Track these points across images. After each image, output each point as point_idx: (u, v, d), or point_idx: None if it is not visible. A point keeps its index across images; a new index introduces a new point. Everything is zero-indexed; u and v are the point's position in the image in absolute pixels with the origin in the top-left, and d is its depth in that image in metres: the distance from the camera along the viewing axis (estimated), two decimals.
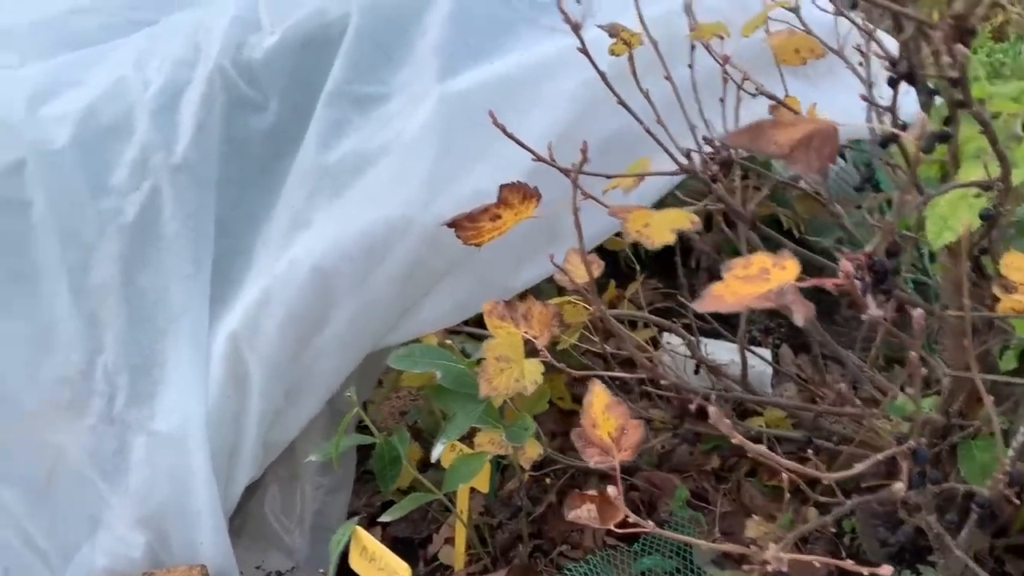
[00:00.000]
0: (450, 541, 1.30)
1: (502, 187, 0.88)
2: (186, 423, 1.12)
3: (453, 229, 0.91)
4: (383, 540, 1.21)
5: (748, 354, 1.27)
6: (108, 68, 1.32)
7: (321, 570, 1.09)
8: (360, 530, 0.99)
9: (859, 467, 0.65)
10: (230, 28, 1.27)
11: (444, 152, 1.15)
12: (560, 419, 1.47)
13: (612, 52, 1.05)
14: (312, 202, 1.15)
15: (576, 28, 0.93)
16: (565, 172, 0.94)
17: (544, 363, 0.90)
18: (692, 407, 1.00)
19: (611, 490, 0.67)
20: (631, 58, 1.06)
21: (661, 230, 0.78)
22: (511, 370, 0.89)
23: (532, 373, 0.89)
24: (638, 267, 1.52)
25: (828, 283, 0.52)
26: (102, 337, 1.15)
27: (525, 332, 0.96)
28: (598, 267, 1.03)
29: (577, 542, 1.28)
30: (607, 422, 0.71)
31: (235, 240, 1.18)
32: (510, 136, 0.93)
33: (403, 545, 1.33)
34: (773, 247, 0.89)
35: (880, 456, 0.66)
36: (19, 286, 1.17)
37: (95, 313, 1.15)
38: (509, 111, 1.17)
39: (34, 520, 1.17)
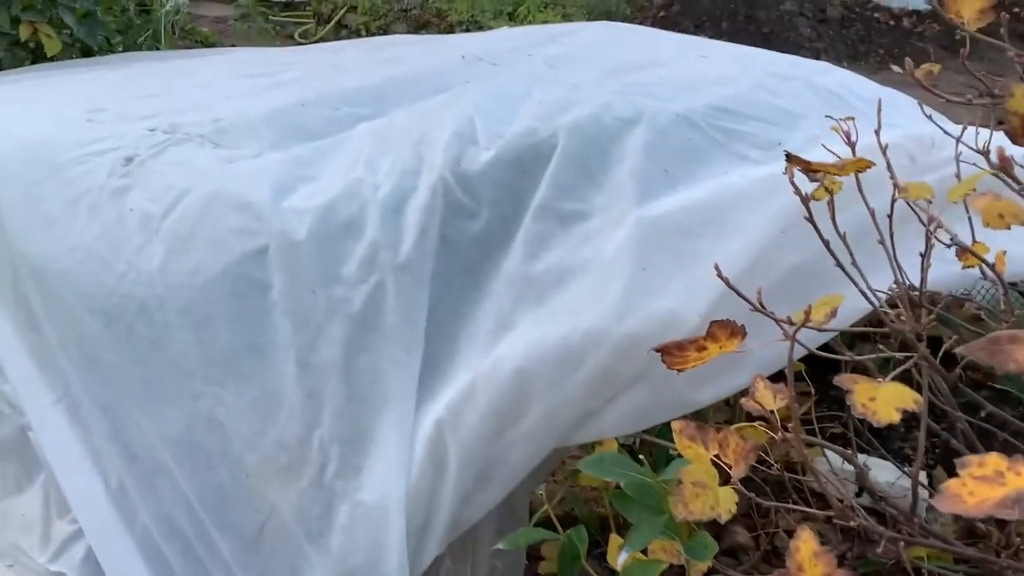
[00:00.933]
0: None
1: (713, 323, 0.97)
2: (387, 497, 1.24)
3: (660, 353, 1.00)
4: None
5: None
6: (340, 165, 1.50)
7: None
8: None
9: None
10: (450, 142, 1.43)
11: (639, 272, 1.25)
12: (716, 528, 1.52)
13: (813, 197, 1.12)
14: (517, 307, 1.27)
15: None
16: (762, 311, 1.02)
17: (736, 491, 0.97)
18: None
19: None
20: (831, 203, 1.13)
21: (887, 407, 0.83)
22: (706, 496, 0.96)
23: (727, 501, 0.96)
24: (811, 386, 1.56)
25: None
26: (321, 411, 1.29)
27: (715, 456, 1.03)
28: (783, 397, 1.09)
29: None
30: (814, 569, 0.77)
31: (442, 332, 1.31)
32: (721, 276, 1.01)
33: None
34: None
35: None
36: (254, 358, 1.33)
37: (317, 389, 1.30)
38: (701, 237, 1.27)
39: (243, 568, 1.31)
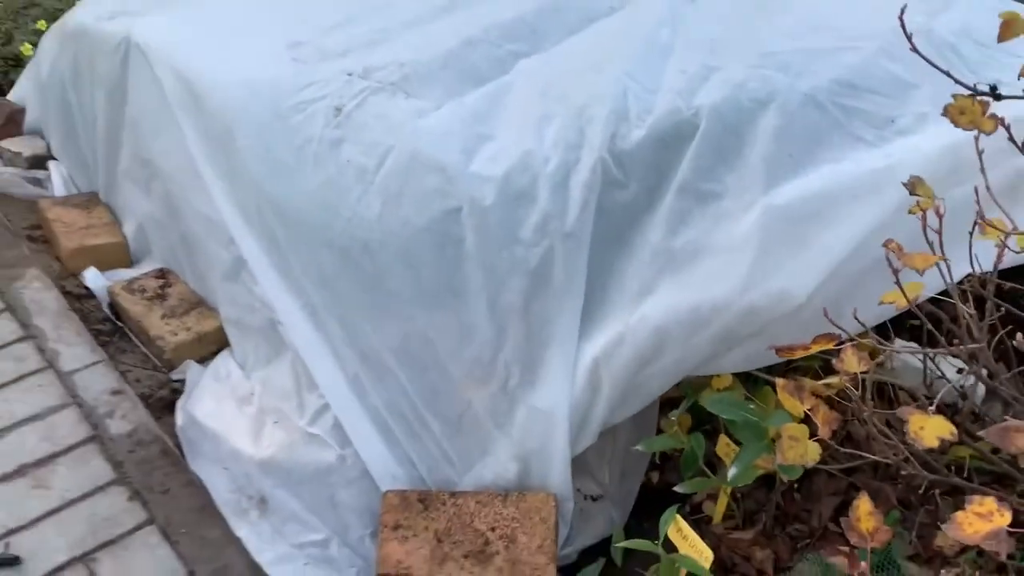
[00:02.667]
0: (712, 498, 1.84)
1: (816, 338, 1.32)
2: (556, 404, 1.69)
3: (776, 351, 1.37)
4: (660, 485, 1.80)
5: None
6: (510, 123, 1.81)
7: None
8: (679, 516, 1.54)
9: None
10: (608, 119, 1.71)
11: (761, 254, 1.57)
12: None
13: (910, 212, 1.40)
14: (659, 276, 1.63)
15: None
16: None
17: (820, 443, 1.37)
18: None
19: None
20: (923, 217, 1.42)
21: (931, 436, 1.17)
22: (799, 447, 1.37)
23: (813, 452, 1.36)
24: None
25: None
26: (505, 341, 1.72)
27: (806, 410, 1.42)
28: (865, 363, 1.46)
29: (806, 521, 1.79)
30: (868, 521, 1.19)
31: (596, 288, 1.69)
32: None
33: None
34: None
35: None
36: (453, 296, 1.75)
37: (502, 325, 1.72)
38: (813, 224, 1.58)
39: (449, 441, 1.82)
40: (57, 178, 2.87)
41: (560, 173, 1.70)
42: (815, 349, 1.35)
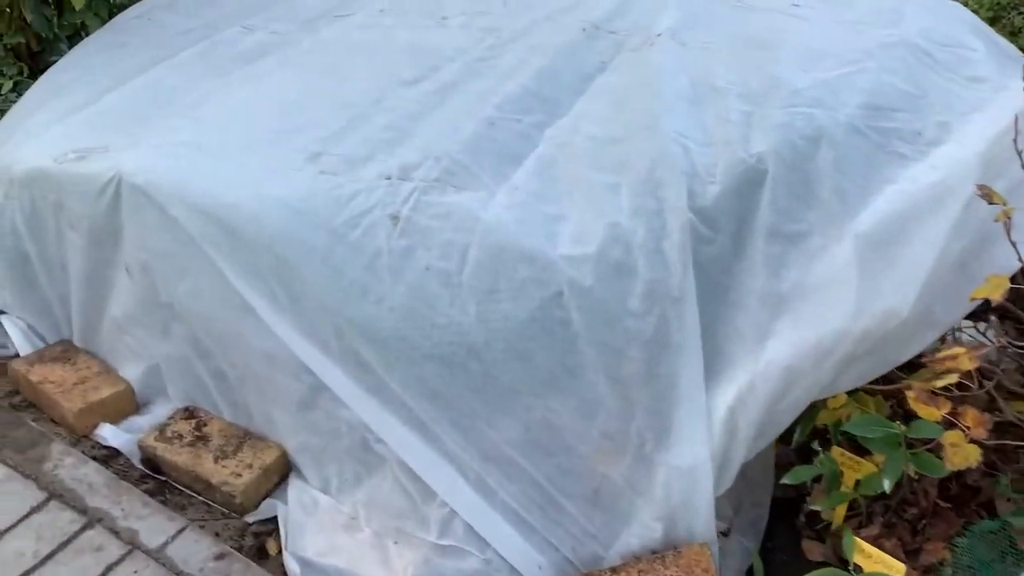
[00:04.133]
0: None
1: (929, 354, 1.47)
2: (697, 459, 1.76)
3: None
4: None
5: None
6: (576, 200, 1.86)
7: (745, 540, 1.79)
8: (857, 539, 1.66)
9: None
10: (680, 180, 1.80)
11: (862, 280, 1.71)
12: None
13: (996, 220, 1.58)
14: (774, 318, 1.74)
15: None
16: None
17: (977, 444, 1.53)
18: None
19: None
20: (1008, 223, 1.60)
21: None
22: (962, 452, 1.52)
23: (975, 454, 1.52)
24: None
25: None
26: (634, 409, 1.78)
27: (945, 415, 1.58)
28: (973, 360, 1.63)
29: (914, 504, 1.96)
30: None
31: (707, 341, 1.77)
32: None
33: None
34: None
35: None
36: (570, 376, 1.78)
37: (627, 396, 1.77)
38: (894, 244, 1.74)
39: (588, 518, 1.85)
40: (15, 333, 2.62)
41: (652, 240, 1.77)
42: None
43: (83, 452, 2.21)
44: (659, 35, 2.23)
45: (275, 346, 1.97)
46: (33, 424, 2.24)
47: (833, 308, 1.71)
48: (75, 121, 2.44)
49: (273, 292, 1.94)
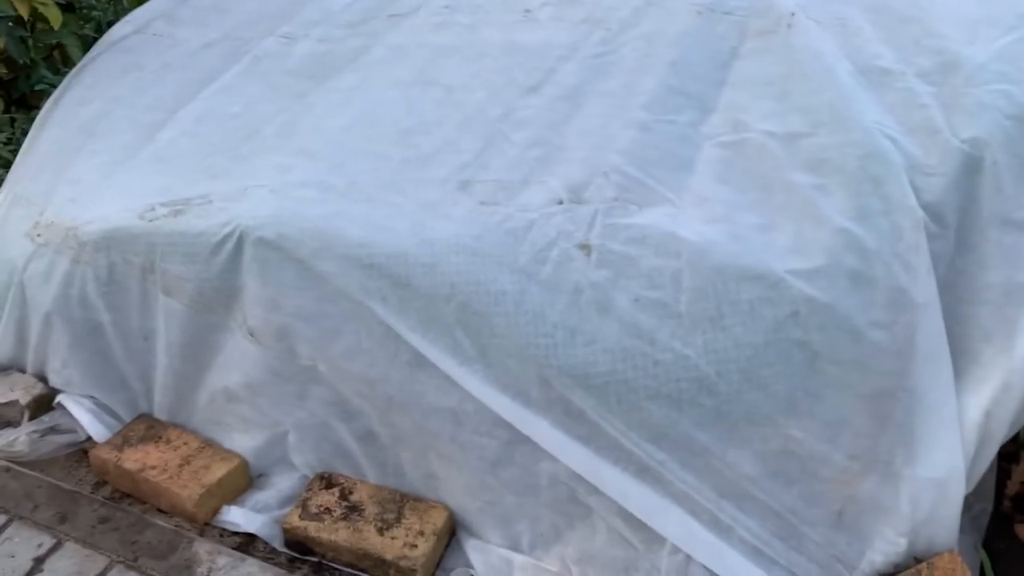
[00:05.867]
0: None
1: None
2: (948, 468, 1.67)
3: None
4: None
5: None
6: (775, 203, 1.73)
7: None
8: None
9: None
10: (901, 176, 1.68)
11: None
12: None
13: None
14: (1020, 312, 1.65)
15: None
16: None
17: None
18: None
19: None
20: None
21: None
22: None
23: None
24: None
25: None
26: (882, 426, 1.67)
27: None
28: None
29: None
30: None
31: (952, 343, 1.68)
32: None
33: None
34: None
35: None
36: (812, 399, 1.66)
37: (876, 412, 1.66)
38: None
39: (831, 543, 1.74)
40: (82, 415, 2.29)
41: (886, 244, 1.65)
42: None
43: (221, 543, 1.94)
44: (792, 14, 2.08)
45: (461, 401, 1.76)
46: (159, 522, 1.96)
47: None
48: (137, 167, 2.12)
49: (457, 344, 1.72)
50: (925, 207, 1.67)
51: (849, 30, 2.05)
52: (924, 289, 1.63)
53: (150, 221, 1.92)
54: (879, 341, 1.63)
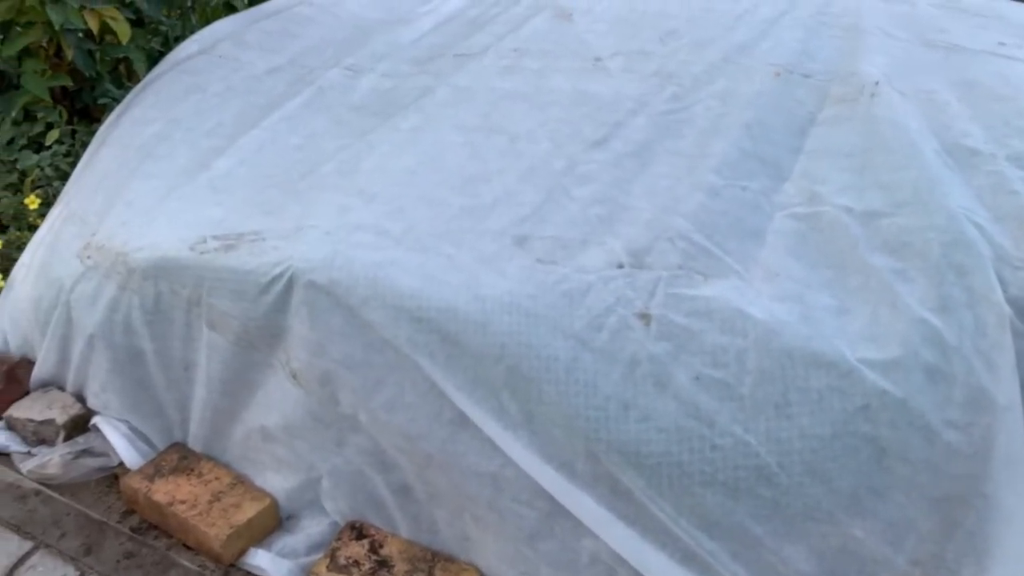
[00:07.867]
0: None
1: None
2: None
3: None
4: None
5: None
6: (864, 296, 1.63)
7: None
8: None
9: None
10: (987, 269, 1.58)
11: None
12: None
13: None
14: None
15: None
16: None
17: None
18: None
19: None
20: None
21: None
22: None
23: None
24: None
25: None
26: (951, 532, 1.55)
27: None
28: None
29: None
30: None
31: None
32: None
33: None
34: None
35: None
36: (876, 497, 1.55)
37: (945, 516, 1.55)
38: None
39: None
40: (117, 439, 2.26)
41: (969, 339, 1.55)
42: None
43: None
44: (877, 83, 2.00)
45: (502, 467, 1.69)
46: (184, 562, 1.90)
47: None
48: (192, 194, 2.09)
49: (502, 407, 1.65)
50: (1012, 302, 1.56)
51: (936, 105, 1.96)
52: (1007, 390, 1.52)
53: (201, 254, 1.88)
54: (954, 442, 1.52)
